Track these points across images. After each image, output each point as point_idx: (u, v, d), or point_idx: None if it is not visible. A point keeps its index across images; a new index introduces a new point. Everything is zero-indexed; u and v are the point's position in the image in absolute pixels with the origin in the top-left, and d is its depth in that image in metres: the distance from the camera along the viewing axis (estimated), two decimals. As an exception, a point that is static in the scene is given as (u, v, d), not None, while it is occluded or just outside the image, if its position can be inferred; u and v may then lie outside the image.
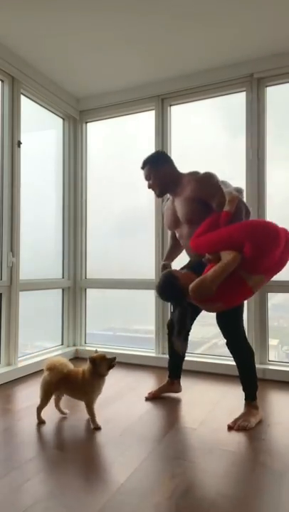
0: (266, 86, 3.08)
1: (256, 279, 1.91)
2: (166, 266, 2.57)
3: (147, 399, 2.48)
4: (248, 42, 2.82)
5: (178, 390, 2.59)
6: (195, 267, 2.14)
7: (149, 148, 3.44)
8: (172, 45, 2.85)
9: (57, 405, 2.19)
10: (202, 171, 2.26)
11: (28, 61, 3.09)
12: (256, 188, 3.06)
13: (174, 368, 2.57)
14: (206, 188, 2.17)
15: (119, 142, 3.76)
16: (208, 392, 2.64)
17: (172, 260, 2.63)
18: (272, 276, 2.02)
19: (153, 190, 2.40)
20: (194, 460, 1.71)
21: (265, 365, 2.98)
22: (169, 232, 2.66)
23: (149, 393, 2.52)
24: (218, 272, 1.83)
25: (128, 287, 3.50)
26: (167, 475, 1.58)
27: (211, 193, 2.15)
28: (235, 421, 2.07)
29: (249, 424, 2.04)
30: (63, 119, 3.77)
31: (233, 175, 3.24)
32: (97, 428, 2.00)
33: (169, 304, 3.14)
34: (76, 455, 1.75)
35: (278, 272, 2.01)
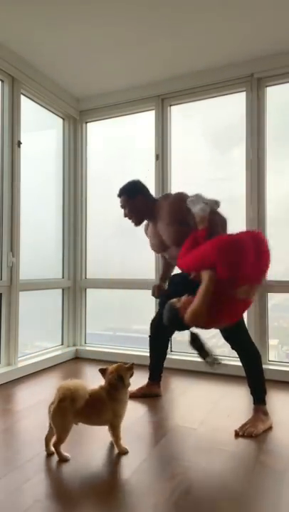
0: (266, 86, 3.08)
1: (243, 289, 1.88)
2: (159, 287, 2.63)
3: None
4: (248, 42, 2.82)
5: (157, 392, 2.56)
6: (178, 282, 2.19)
7: (149, 148, 3.45)
8: (172, 45, 2.85)
9: (50, 441, 1.75)
10: (174, 191, 2.35)
11: (28, 61, 3.09)
12: (256, 188, 3.06)
13: (154, 368, 2.59)
14: (179, 211, 2.22)
15: (119, 142, 3.76)
16: (208, 392, 2.64)
17: (167, 279, 2.68)
18: (260, 278, 1.98)
19: (130, 219, 2.44)
20: (194, 460, 1.71)
21: (265, 365, 2.94)
22: (161, 257, 2.69)
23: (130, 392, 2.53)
24: (201, 295, 1.83)
25: (128, 287, 3.50)
26: (167, 475, 1.58)
27: (184, 214, 2.19)
28: (243, 426, 2.00)
29: (256, 431, 1.97)
30: (63, 119, 3.77)
31: (233, 175, 3.25)
32: (125, 452, 1.76)
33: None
34: (76, 455, 1.74)
35: (264, 271, 1.98)
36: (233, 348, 2.18)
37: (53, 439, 1.70)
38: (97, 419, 1.77)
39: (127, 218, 2.45)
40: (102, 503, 1.39)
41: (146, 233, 2.58)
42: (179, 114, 3.44)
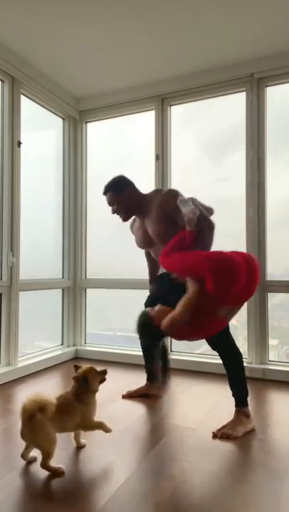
0: (266, 86, 3.08)
1: (224, 310, 1.87)
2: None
3: (124, 396, 2.50)
4: (248, 42, 2.82)
5: (154, 393, 2.56)
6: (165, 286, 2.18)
7: (149, 148, 3.45)
8: (172, 45, 2.85)
9: (26, 454, 1.70)
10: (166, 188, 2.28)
11: (28, 61, 3.09)
12: (256, 189, 3.06)
13: (148, 370, 2.60)
14: (171, 207, 2.16)
15: (119, 142, 3.76)
16: (208, 392, 2.64)
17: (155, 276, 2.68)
18: (243, 302, 1.95)
19: (118, 214, 2.39)
20: (194, 460, 1.71)
21: (265, 365, 2.98)
22: (146, 255, 2.66)
23: (127, 392, 2.54)
24: (184, 307, 1.81)
25: (128, 287, 3.50)
26: (167, 475, 1.58)
27: (174, 212, 2.13)
28: (221, 428, 1.96)
29: (234, 433, 1.91)
30: (63, 119, 3.77)
31: (234, 175, 3.25)
32: (109, 430, 1.77)
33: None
34: (76, 455, 1.75)
35: (249, 297, 1.94)
36: (213, 348, 2.15)
37: (40, 459, 1.59)
38: (71, 424, 1.71)
39: (115, 215, 2.40)
40: (103, 504, 1.39)
41: (132, 229, 2.55)
42: (179, 114, 3.44)
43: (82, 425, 1.74)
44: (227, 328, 2.15)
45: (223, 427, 1.98)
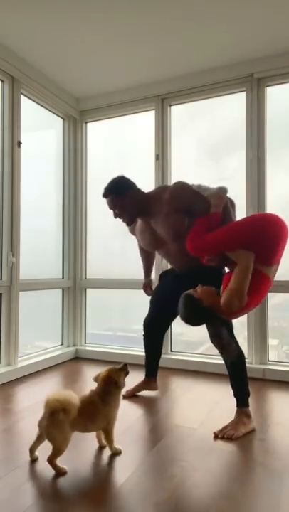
0: (266, 86, 3.08)
1: (274, 269, 1.97)
2: (149, 284, 2.67)
3: (124, 397, 2.48)
4: (248, 42, 2.82)
5: (154, 387, 2.59)
6: (192, 276, 2.10)
7: (149, 148, 3.45)
8: (172, 45, 2.85)
9: (34, 450, 1.71)
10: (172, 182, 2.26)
11: (28, 61, 3.09)
12: (256, 188, 3.06)
13: (150, 366, 2.59)
14: (184, 198, 2.11)
15: (120, 142, 3.76)
16: (208, 392, 2.64)
17: (151, 274, 2.70)
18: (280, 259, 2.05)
19: (121, 218, 2.26)
20: (194, 460, 1.71)
21: (265, 365, 2.98)
22: (138, 247, 2.63)
23: (127, 391, 2.52)
24: (240, 275, 1.81)
25: (128, 287, 3.50)
26: (167, 475, 1.58)
27: (191, 201, 2.09)
28: (223, 429, 1.96)
29: (236, 433, 1.91)
30: (63, 119, 3.77)
31: (233, 175, 3.26)
32: (119, 452, 1.76)
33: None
34: (76, 455, 1.74)
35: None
36: (217, 347, 2.13)
37: (49, 453, 1.60)
38: (93, 426, 1.72)
39: (117, 219, 2.28)
40: (102, 503, 1.39)
41: (134, 231, 2.46)
42: (179, 114, 3.44)
43: (105, 428, 1.73)
44: (231, 328, 2.16)
45: (225, 427, 1.97)
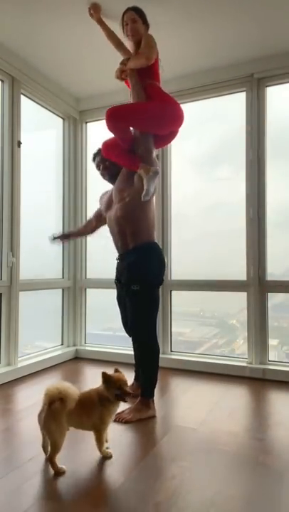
0: (266, 86, 3.08)
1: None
2: (70, 235, 2.85)
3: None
4: (248, 42, 2.82)
5: (138, 392, 2.53)
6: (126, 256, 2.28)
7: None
8: (172, 45, 2.85)
9: (47, 447, 1.67)
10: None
11: (28, 61, 3.09)
12: (256, 188, 3.06)
13: (136, 370, 2.58)
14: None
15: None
16: (208, 392, 2.64)
17: (77, 235, 2.92)
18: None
19: (105, 171, 2.54)
20: (194, 460, 1.71)
21: (265, 365, 2.98)
22: (93, 215, 2.72)
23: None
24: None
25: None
26: (167, 475, 1.58)
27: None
28: (120, 413, 2.06)
29: (128, 417, 2.06)
30: (63, 119, 3.77)
31: (233, 175, 3.26)
32: (109, 457, 1.73)
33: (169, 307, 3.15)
34: (76, 455, 1.75)
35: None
36: (132, 330, 2.25)
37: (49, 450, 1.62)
38: (88, 421, 1.70)
39: (102, 175, 2.56)
40: (102, 503, 1.39)
41: (101, 200, 2.63)
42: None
43: (96, 427, 1.71)
44: (153, 322, 2.21)
45: (122, 411, 2.08)
